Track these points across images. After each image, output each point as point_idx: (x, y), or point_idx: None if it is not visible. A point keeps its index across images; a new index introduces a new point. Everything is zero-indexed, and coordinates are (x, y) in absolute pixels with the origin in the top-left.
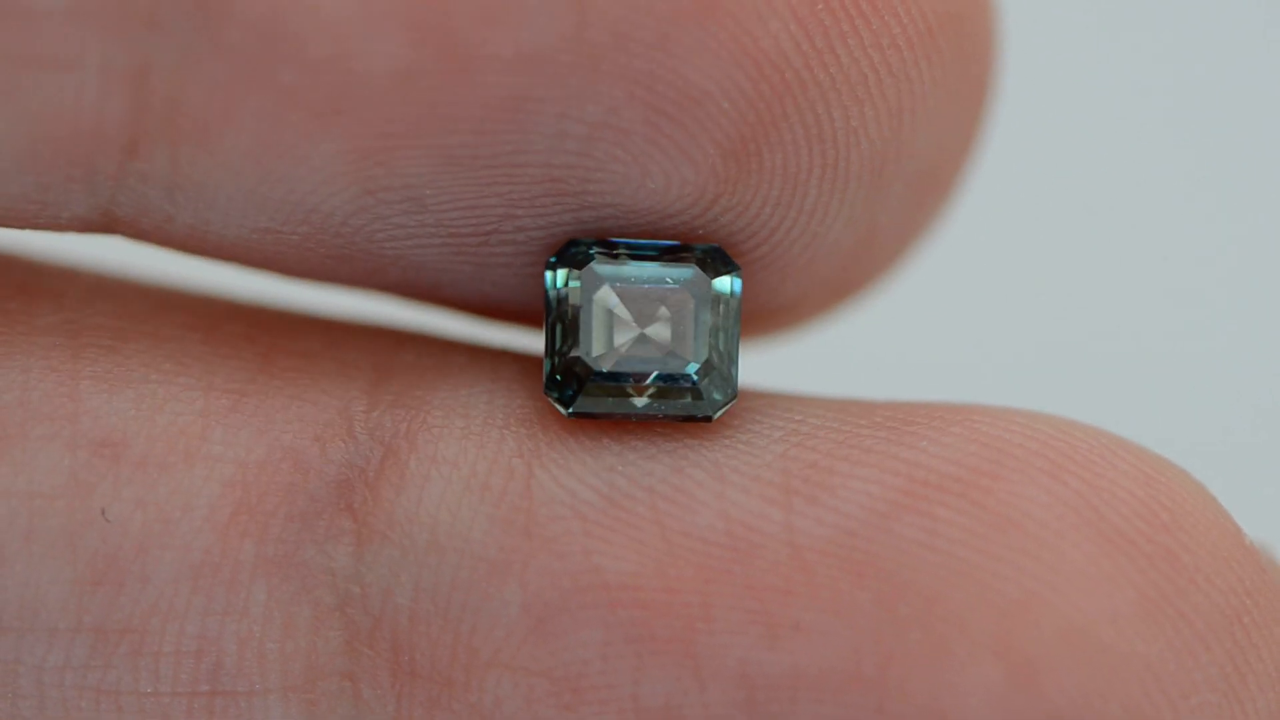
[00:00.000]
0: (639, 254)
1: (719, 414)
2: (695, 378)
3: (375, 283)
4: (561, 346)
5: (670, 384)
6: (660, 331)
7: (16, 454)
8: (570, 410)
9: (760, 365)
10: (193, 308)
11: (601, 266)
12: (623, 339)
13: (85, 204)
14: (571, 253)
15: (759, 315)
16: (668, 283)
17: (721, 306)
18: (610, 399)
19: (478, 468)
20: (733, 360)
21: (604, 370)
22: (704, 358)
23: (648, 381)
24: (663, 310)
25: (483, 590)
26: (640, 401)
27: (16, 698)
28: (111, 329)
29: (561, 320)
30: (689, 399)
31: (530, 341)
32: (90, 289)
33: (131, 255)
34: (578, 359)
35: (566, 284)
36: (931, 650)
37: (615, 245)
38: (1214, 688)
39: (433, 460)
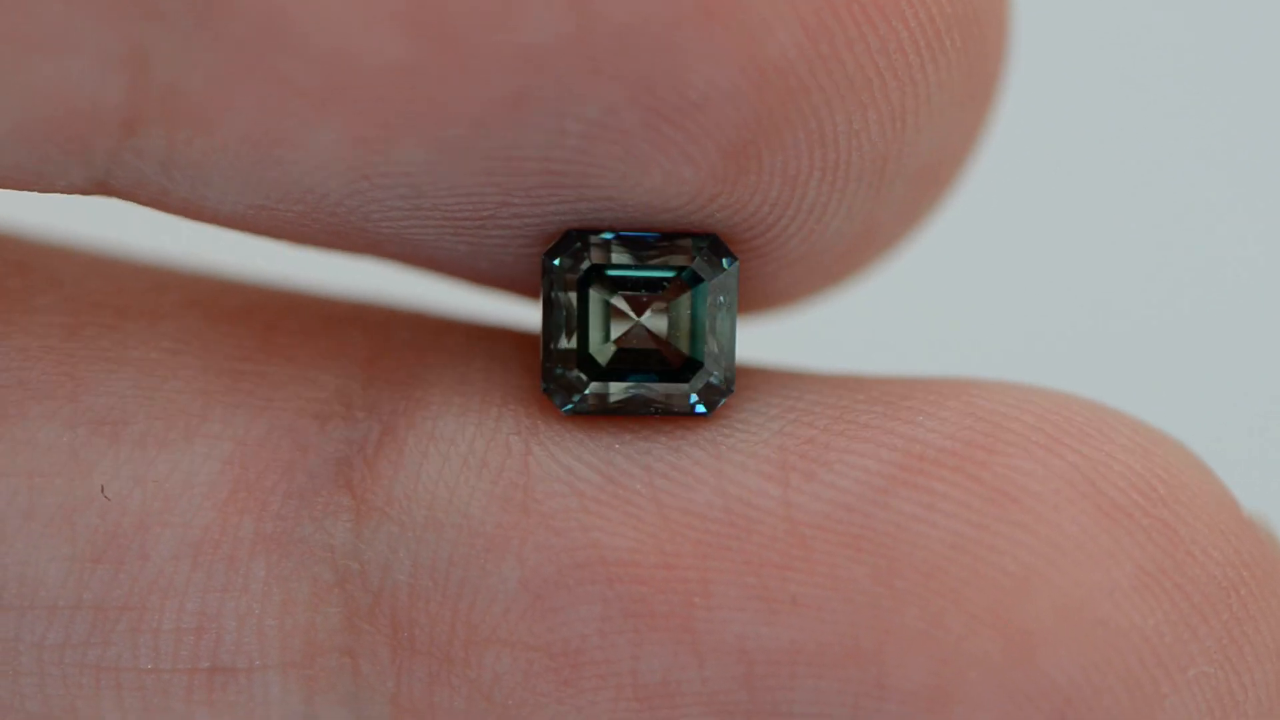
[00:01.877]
0: (635, 243)
1: (715, 409)
2: (692, 370)
3: (371, 254)
4: (558, 340)
5: (668, 378)
6: (657, 323)
7: (16, 432)
8: (568, 406)
9: (756, 342)
10: (191, 286)
11: (598, 258)
12: (620, 331)
13: (81, 175)
14: (568, 244)
15: (754, 299)
16: (664, 273)
17: (718, 296)
18: (607, 394)
19: (475, 445)
20: (730, 352)
21: (601, 364)
22: (701, 349)
23: (645, 375)
24: (659, 301)
25: (481, 566)
26: (637, 395)
27: (17, 675)
28: (111, 307)
29: (558, 313)
30: (686, 393)
31: (527, 315)
32: (89, 267)
33: (131, 223)
34: (574, 353)
35: (563, 276)
36: (929, 624)
37: (612, 236)
38: (1212, 659)
39: (430, 437)
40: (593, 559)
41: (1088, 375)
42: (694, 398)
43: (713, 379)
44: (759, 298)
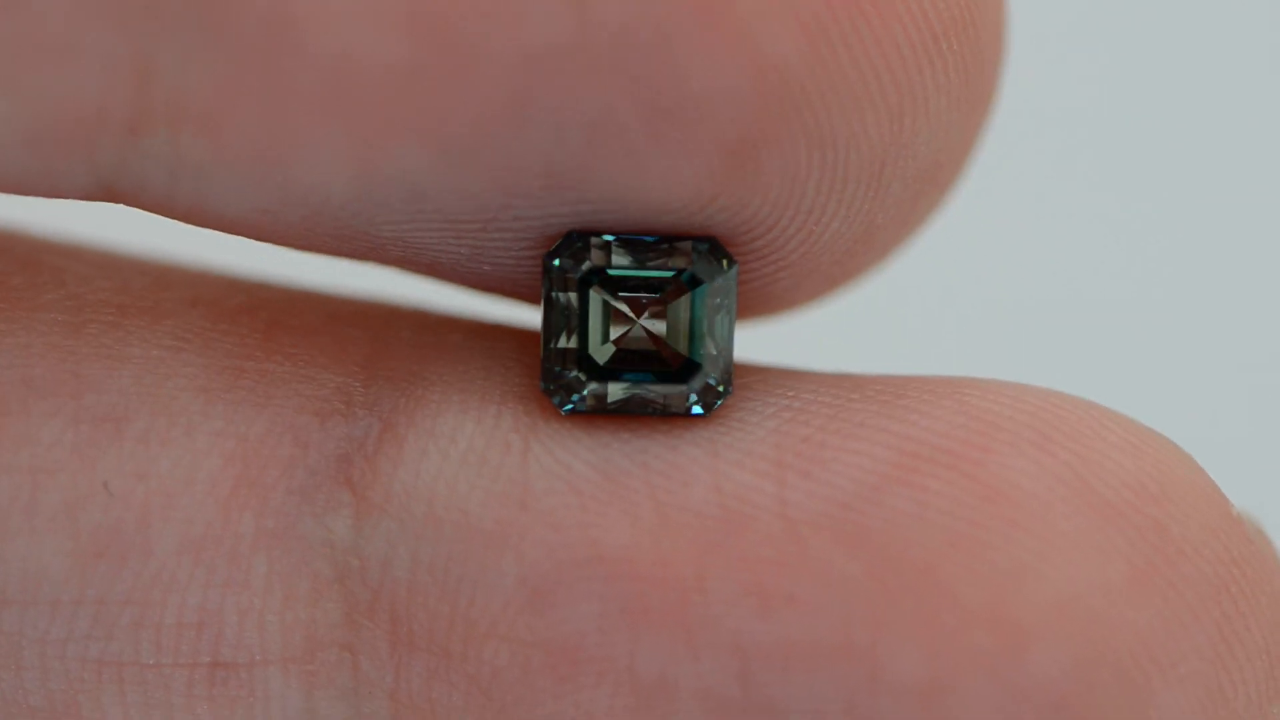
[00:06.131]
0: (635, 246)
1: (713, 410)
2: (690, 371)
3: (373, 259)
4: (558, 340)
5: (666, 379)
6: (656, 325)
7: (19, 429)
8: (568, 407)
9: (753, 341)
10: (193, 283)
11: (598, 260)
12: (619, 332)
13: (87, 179)
14: (569, 245)
15: (753, 303)
16: (664, 275)
17: (717, 299)
18: (606, 394)
19: (475, 442)
20: (728, 354)
21: (600, 364)
22: (700, 350)
23: (643, 375)
24: (658, 303)
25: (480, 562)
26: (636, 396)
27: (20, 669)
28: (113, 305)
29: (558, 314)
30: (684, 394)
31: (527, 316)
32: (92, 265)
33: (134, 222)
34: (574, 353)
35: (563, 278)
36: (923, 620)
37: (613, 238)
38: (1203, 656)
39: (430, 435)
40: (590, 556)
41: (1081, 375)
42: (692, 399)
43: (710, 380)
44: (758, 302)
